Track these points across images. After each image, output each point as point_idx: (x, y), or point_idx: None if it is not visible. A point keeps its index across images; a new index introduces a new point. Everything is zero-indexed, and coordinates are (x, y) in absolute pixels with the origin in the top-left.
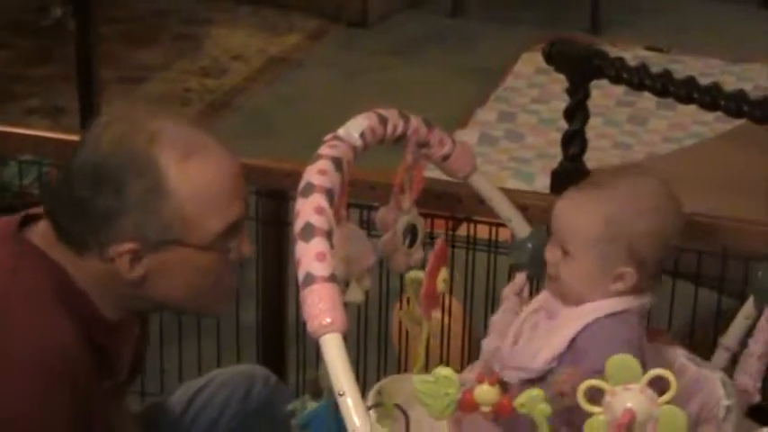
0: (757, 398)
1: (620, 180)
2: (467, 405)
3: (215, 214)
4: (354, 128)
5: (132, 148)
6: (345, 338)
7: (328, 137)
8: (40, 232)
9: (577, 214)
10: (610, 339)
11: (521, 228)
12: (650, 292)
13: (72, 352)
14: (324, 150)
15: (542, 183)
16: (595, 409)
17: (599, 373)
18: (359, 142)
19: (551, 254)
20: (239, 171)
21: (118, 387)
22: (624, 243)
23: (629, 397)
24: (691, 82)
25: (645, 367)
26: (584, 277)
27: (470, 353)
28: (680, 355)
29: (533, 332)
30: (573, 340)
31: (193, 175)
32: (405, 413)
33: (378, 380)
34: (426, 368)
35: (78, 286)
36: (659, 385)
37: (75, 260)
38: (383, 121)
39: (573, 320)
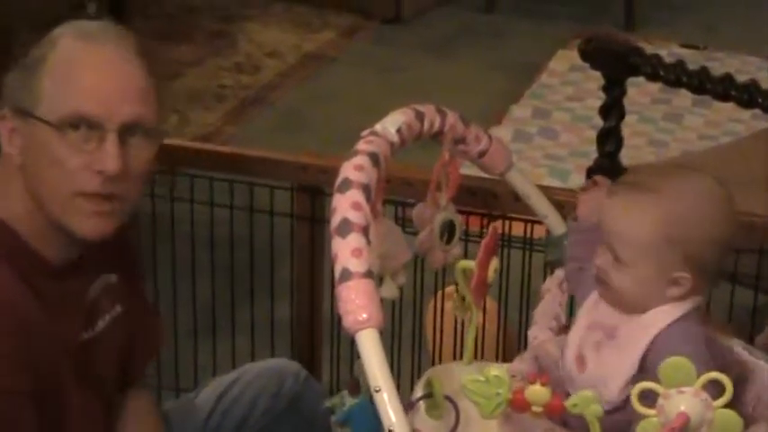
0: None
1: (675, 181)
2: (518, 405)
3: (72, 96)
4: (391, 123)
5: (51, 34)
6: (381, 335)
7: (365, 132)
8: None
9: (631, 219)
10: (688, 345)
11: (557, 225)
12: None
13: (18, 308)
14: (361, 146)
15: (577, 180)
16: (649, 411)
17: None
18: (396, 138)
19: (602, 259)
20: (132, 79)
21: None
22: (682, 249)
23: (683, 400)
24: (728, 79)
25: (724, 360)
26: (639, 284)
27: (505, 350)
28: (735, 344)
29: (598, 355)
30: (643, 359)
31: (73, 53)
32: (455, 404)
33: (411, 376)
34: (476, 357)
35: (14, 231)
36: (715, 388)
37: None
38: (420, 116)
39: (636, 339)
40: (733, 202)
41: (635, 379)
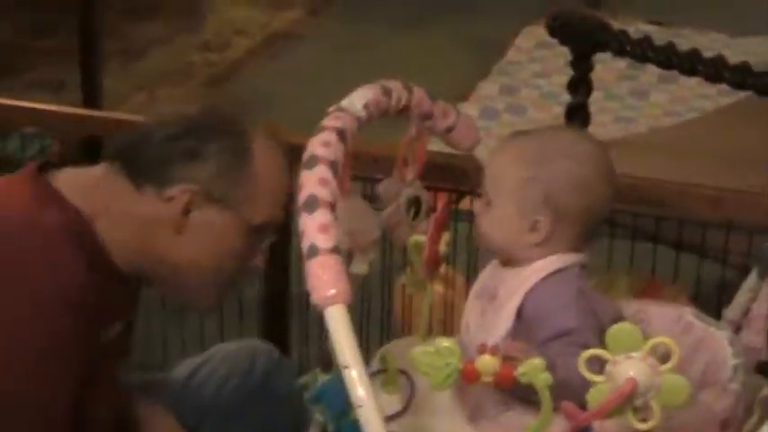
0: (765, 354)
1: (549, 130)
2: (468, 375)
3: (274, 202)
4: (358, 99)
5: (230, 116)
6: (349, 310)
7: (332, 108)
8: (63, 179)
9: (497, 160)
10: (554, 300)
11: None
12: (585, 248)
13: (84, 292)
14: (327, 122)
15: None
16: (597, 378)
17: (554, 338)
18: (363, 113)
19: (477, 206)
20: None
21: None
22: (539, 188)
23: (631, 365)
24: (695, 54)
25: (600, 319)
26: (502, 225)
27: None
28: (687, 312)
29: (483, 318)
30: (519, 312)
31: (274, 158)
32: (409, 378)
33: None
34: (430, 332)
35: (94, 232)
36: (662, 352)
37: (125, 196)
38: (387, 92)
39: (512, 293)
40: (607, 159)
41: (513, 331)
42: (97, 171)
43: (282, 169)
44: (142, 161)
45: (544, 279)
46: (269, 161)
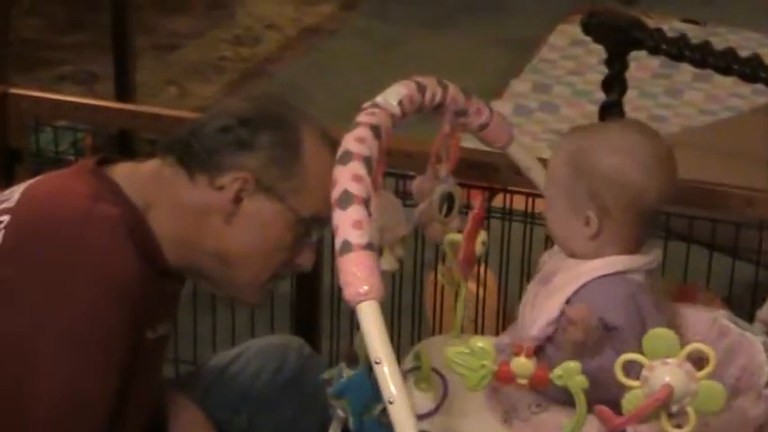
0: None
1: (599, 126)
2: (503, 377)
3: (322, 199)
4: (393, 95)
5: (282, 111)
6: (381, 307)
7: (367, 104)
8: (119, 170)
9: (553, 159)
10: (603, 298)
11: None
12: (654, 249)
13: (136, 281)
14: (362, 118)
15: None
16: (633, 383)
17: (611, 329)
18: (397, 110)
19: (542, 205)
20: None
21: (154, 345)
22: (585, 182)
23: (667, 371)
24: (730, 53)
25: (645, 328)
26: (560, 222)
27: (504, 324)
28: (721, 316)
29: (535, 300)
30: (566, 304)
31: (324, 155)
32: (443, 377)
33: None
34: (462, 331)
35: (148, 226)
36: (698, 358)
37: (179, 186)
38: (421, 89)
39: (567, 283)
40: (663, 158)
41: (556, 321)
42: (152, 165)
43: (332, 166)
44: (195, 151)
45: (599, 279)
46: (319, 156)
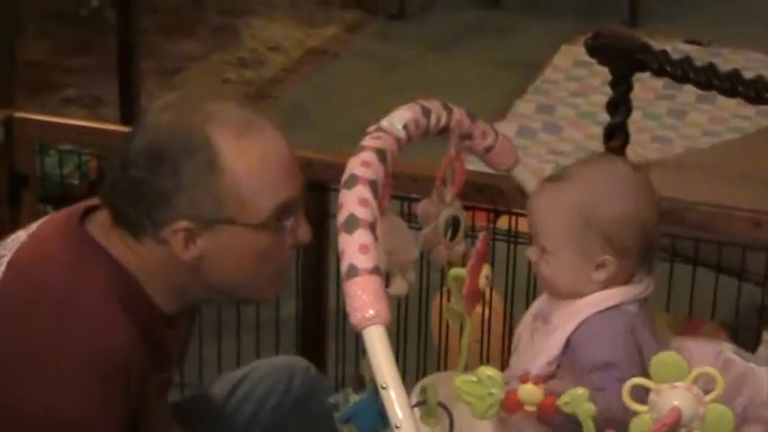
0: None
1: (588, 167)
2: (511, 405)
3: (267, 192)
4: (398, 119)
5: (187, 127)
6: (387, 331)
7: (372, 128)
8: (100, 223)
9: (548, 208)
10: (603, 334)
11: None
12: (646, 278)
13: (129, 352)
14: (367, 142)
15: None
16: (641, 407)
17: (597, 369)
18: (402, 134)
19: (531, 252)
20: (291, 151)
21: (166, 380)
22: (598, 231)
23: (675, 395)
24: (735, 75)
25: (645, 359)
26: (567, 271)
27: (510, 348)
28: (726, 348)
29: (532, 338)
30: (568, 341)
31: (246, 152)
32: (448, 411)
33: (417, 373)
34: (467, 366)
35: (137, 282)
36: (706, 383)
37: (133, 246)
38: (426, 112)
39: (566, 321)
40: (649, 184)
41: (558, 359)
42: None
43: (257, 154)
44: (127, 216)
45: (599, 313)
46: (240, 153)
